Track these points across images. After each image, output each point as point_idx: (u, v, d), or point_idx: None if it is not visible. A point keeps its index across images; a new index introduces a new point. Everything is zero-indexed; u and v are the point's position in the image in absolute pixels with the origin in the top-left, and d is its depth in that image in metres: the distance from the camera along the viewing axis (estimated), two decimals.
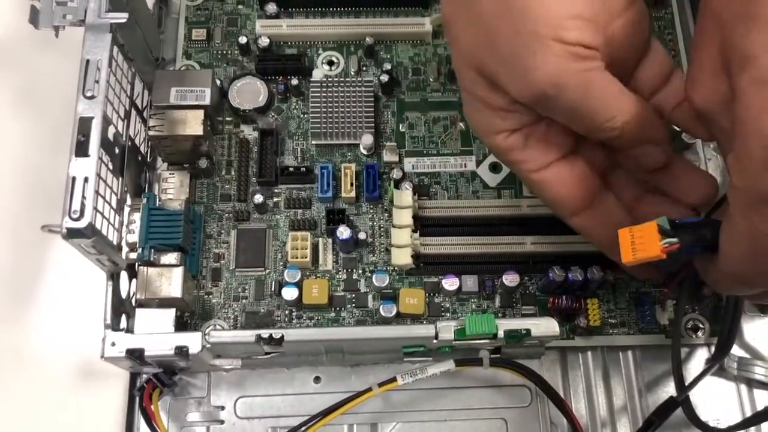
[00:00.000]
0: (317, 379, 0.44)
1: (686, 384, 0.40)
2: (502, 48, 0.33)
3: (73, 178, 0.35)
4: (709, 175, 0.38)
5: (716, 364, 0.42)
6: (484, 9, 0.33)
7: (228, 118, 0.48)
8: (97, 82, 0.37)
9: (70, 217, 0.34)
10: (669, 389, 0.44)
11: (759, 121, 0.26)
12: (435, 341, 0.39)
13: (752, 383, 0.44)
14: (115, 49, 0.40)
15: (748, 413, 0.44)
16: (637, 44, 0.36)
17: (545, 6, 0.32)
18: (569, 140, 0.37)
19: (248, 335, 0.38)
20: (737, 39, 0.28)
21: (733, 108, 0.28)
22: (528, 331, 0.38)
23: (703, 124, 0.34)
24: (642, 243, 0.32)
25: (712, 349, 0.44)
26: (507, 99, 0.34)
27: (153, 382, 0.41)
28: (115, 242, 0.40)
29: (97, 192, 0.36)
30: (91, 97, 0.37)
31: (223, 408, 0.43)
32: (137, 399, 0.41)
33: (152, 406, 0.40)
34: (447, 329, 0.38)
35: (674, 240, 0.32)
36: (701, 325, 0.44)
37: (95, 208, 0.36)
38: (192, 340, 0.38)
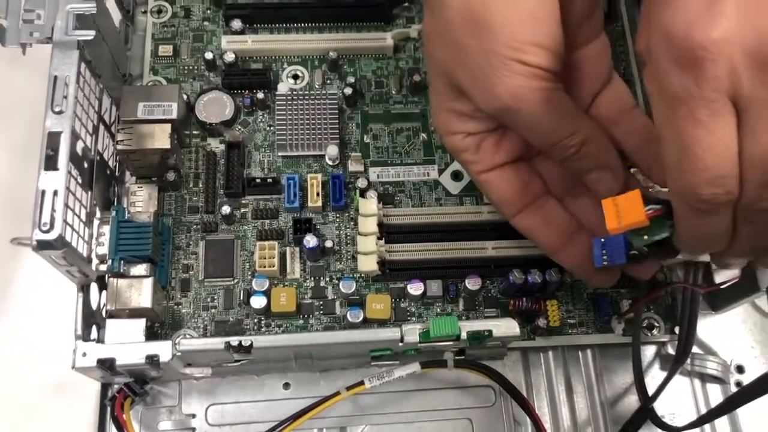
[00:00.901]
0: (287, 385, 0.45)
1: (650, 394, 0.42)
2: (470, 63, 0.36)
3: (43, 192, 0.36)
4: None
5: (677, 369, 0.44)
6: (457, 28, 0.36)
7: (195, 132, 0.49)
8: (65, 97, 0.38)
9: (40, 230, 0.35)
10: (627, 385, 0.46)
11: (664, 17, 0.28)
12: (401, 344, 0.40)
13: (705, 378, 0.46)
14: (83, 65, 0.41)
15: (702, 407, 0.45)
16: (597, 75, 0.39)
17: (508, 32, 0.34)
18: (518, 149, 0.39)
19: (218, 342, 0.39)
20: None
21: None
22: (490, 332, 0.40)
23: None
24: (626, 210, 0.33)
25: (668, 346, 0.46)
26: (471, 107, 0.38)
27: (124, 391, 0.41)
28: (84, 254, 0.40)
29: (66, 205, 0.37)
30: (60, 113, 0.38)
31: (194, 416, 0.44)
32: (109, 409, 0.42)
33: (124, 416, 0.41)
34: (412, 332, 0.40)
35: (658, 206, 0.33)
36: (656, 324, 0.46)
37: (65, 221, 0.37)
38: (162, 349, 0.39)
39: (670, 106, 0.29)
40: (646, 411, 0.41)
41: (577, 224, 0.41)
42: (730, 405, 0.38)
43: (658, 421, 0.41)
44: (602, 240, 0.37)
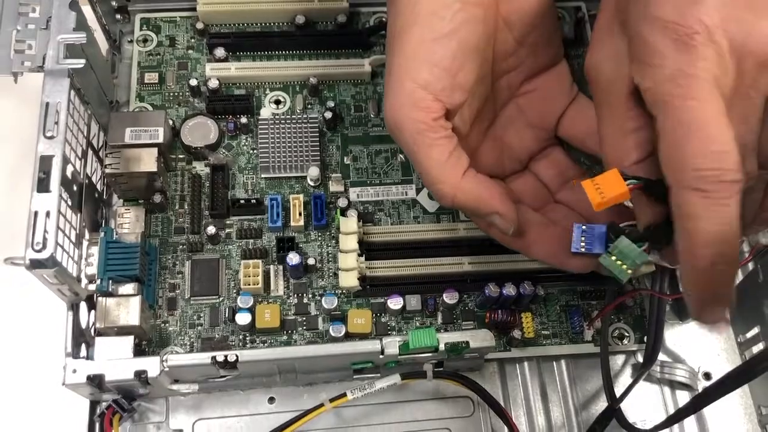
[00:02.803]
0: (271, 400, 0.46)
1: (617, 396, 0.44)
2: (388, 73, 0.38)
3: (35, 213, 0.37)
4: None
5: (644, 373, 0.46)
6: (390, 45, 0.38)
7: (180, 156, 0.51)
8: (56, 123, 0.40)
9: (33, 249, 0.36)
10: (599, 393, 0.47)
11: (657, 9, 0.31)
12: (381, 356, 0.42)
13: (674, 385, 0.48)
14: (72, 93, 0.42)
15: (672, 413, 0.47)
16: (559, 96, 0.42)
17: (409, 46, 0.37)
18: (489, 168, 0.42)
19: (204, 357, 0.41)
20: None
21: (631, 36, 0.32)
22: (467, 343, 0.42)
23: None
24: (607, 186, 0.34)
25: (638, 354, 0.48)
26: None
27: (113, 407, 0.42)
28: (74, 274, 0.42)
29: (57, 226, 0.38)
30: (51, 137, 0.39)
31: (181, 431, 0.45)
32: (98, 425, 0.43)
33: (113, 431, 0.42)
34: (392, 344, 0.41)
35: (636, 181, 0.34)
36: (626, 333, 0.48)
37: (56, 242, 0.38)
38: (150, 365, 0.40)
39: (666, 89, 0.30)
40: (612, 411, 0.43)
41: (547, 221, 0.42)
42: (695, 406, 0.40)
43: (626, 424, 0.43)
44: (583, 227, 0.38)
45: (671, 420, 0.42)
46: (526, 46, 0.40)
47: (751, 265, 0.45)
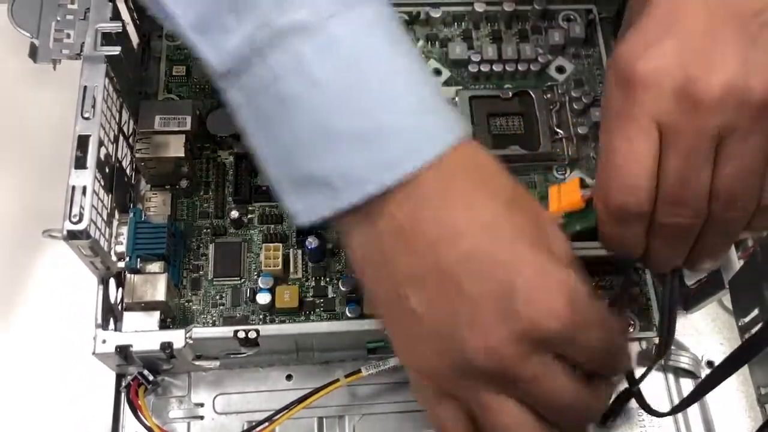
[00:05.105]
0: (289, 377, 0.48)
1: (636, 378, 0.45)
2: None
3: (73, 187, 0.40)
4: None
5: (659, 361, 0.47)
6: None
7: (206, 145, 0.53)
8: (93, 106, 0.42)
9: (70, 221, 0.39)
10: None
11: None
12: None
13: (678, 372, 0.49)
14: (107, 80, 0.45)
15: (675, 399, 0.49)
16: None
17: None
18: None
19: (227, 331, 0.43)
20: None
21: None
22: None
23: None
24: (566, 194, 0.38)
25: (642, 342, 0.50)
26: None
27: (138, 378, 0.44)
28: (105, 251, 0.44)
29: (92, 203, 0.41)
30: (88, 118, 0.42)
31: (202, 405, 0.47)
32: (124, 394, 0.45)
33: (139, 401, 0.44)
34: None
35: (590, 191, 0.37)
36: (632, 322, 0.50)
37: (90, 217, 0.40)
38: (176, 337, 0.43)
39: (608, 120, 0.34)
40: (630, 393, 0.44)
41: None
42: (706, 389, 0.42)
43: (645, 405, 0.44)
44: None
45: (684, 404, 0.44)
46: None
47: (750, 243, 0.46)
